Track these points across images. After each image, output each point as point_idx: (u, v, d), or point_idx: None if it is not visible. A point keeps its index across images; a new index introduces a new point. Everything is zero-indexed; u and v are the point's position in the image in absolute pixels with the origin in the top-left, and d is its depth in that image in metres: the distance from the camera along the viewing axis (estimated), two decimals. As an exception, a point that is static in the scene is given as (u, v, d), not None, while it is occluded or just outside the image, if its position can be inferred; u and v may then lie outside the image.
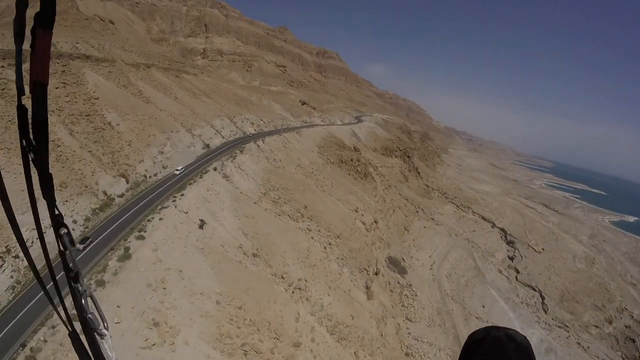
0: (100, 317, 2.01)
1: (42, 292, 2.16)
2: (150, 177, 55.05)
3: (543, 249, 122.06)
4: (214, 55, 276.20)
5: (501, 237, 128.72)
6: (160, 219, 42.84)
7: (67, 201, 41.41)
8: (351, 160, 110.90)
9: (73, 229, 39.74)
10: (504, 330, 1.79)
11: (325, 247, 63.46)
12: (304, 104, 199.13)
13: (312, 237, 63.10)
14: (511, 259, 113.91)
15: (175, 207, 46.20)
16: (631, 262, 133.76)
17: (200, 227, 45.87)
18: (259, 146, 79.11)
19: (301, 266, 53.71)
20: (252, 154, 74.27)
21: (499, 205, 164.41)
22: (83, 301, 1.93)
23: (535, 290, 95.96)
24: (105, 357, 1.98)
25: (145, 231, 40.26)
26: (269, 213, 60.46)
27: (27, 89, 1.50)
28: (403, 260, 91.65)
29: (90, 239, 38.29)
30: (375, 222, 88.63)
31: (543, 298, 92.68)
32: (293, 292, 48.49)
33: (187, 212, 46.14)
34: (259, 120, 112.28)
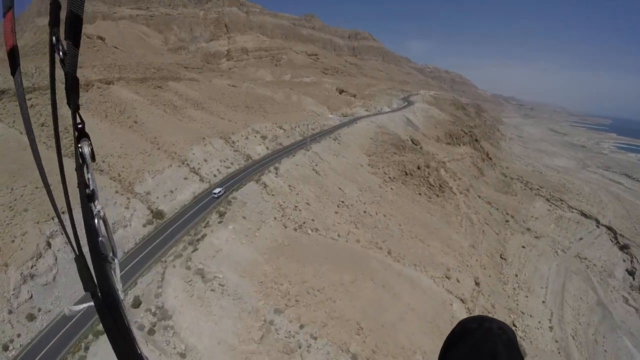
0: (111, 243, 1.82)
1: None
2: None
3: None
4: (238, 55, 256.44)
5: (611, 240, 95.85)
6: None
7: None
8: (418, 168, 74.03)
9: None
10: (497, 322, 1.81)
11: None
12: (342, 92, 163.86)
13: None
14: (631, 274, 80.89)
15: None
16: None
17: None
18: (265, 187, 44.77)
19: None
20: (244, 216, 39.99)
21: (590, 190, 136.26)
22: (96, 222, 1.74)
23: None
24: (112, 285, 1.79)
25: None
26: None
27: None
28: (514, 325, 57.96)
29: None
30: (477, 283, 52.68)
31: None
32: None
33: None
34: (278, 129, 78.52)
